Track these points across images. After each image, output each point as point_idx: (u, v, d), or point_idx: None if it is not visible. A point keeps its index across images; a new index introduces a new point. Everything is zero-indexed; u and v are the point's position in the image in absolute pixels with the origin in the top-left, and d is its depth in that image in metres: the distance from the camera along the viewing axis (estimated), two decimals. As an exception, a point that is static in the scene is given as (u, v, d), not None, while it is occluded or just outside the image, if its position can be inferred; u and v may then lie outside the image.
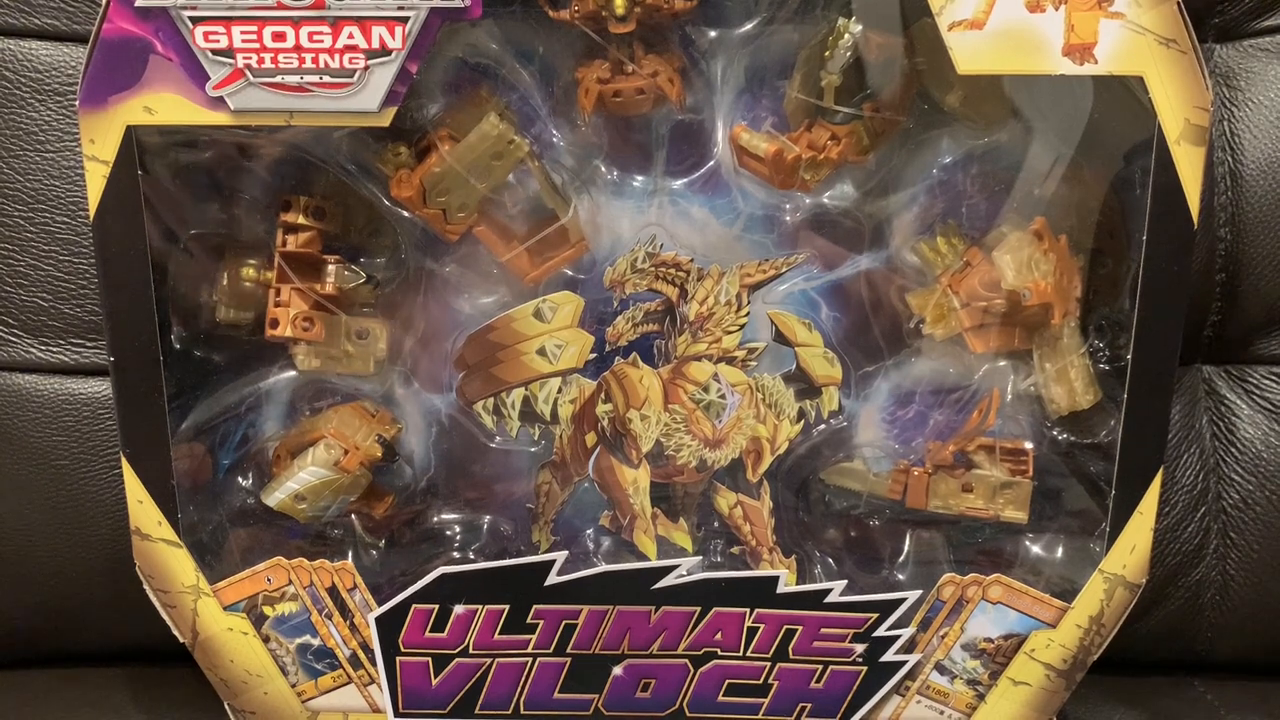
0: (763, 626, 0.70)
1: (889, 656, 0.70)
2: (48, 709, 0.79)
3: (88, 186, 0.62)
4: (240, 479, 0.73)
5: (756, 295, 0.71)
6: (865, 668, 0.71)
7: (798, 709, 0.72)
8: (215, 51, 0.60)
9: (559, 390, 0.72)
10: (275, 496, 0.71)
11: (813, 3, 0.64)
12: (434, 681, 0.71)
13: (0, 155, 0.77)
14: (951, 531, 0.74)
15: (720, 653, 0.71)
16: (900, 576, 0.74)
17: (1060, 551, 0.73)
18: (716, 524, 0.75)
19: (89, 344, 0.79)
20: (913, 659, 0.71)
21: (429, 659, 0.71)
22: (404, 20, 0.60)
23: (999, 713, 0.72)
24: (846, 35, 0.63)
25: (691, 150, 0.69)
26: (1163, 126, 0.61)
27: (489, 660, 0.71)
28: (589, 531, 0.75)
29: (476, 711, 0.72)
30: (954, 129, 0.68)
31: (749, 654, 0.71)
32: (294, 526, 0.73)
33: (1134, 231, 0.65)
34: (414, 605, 0.69)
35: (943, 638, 0.71)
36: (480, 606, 0.69)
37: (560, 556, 0.69)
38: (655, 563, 0.72)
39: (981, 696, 0.72)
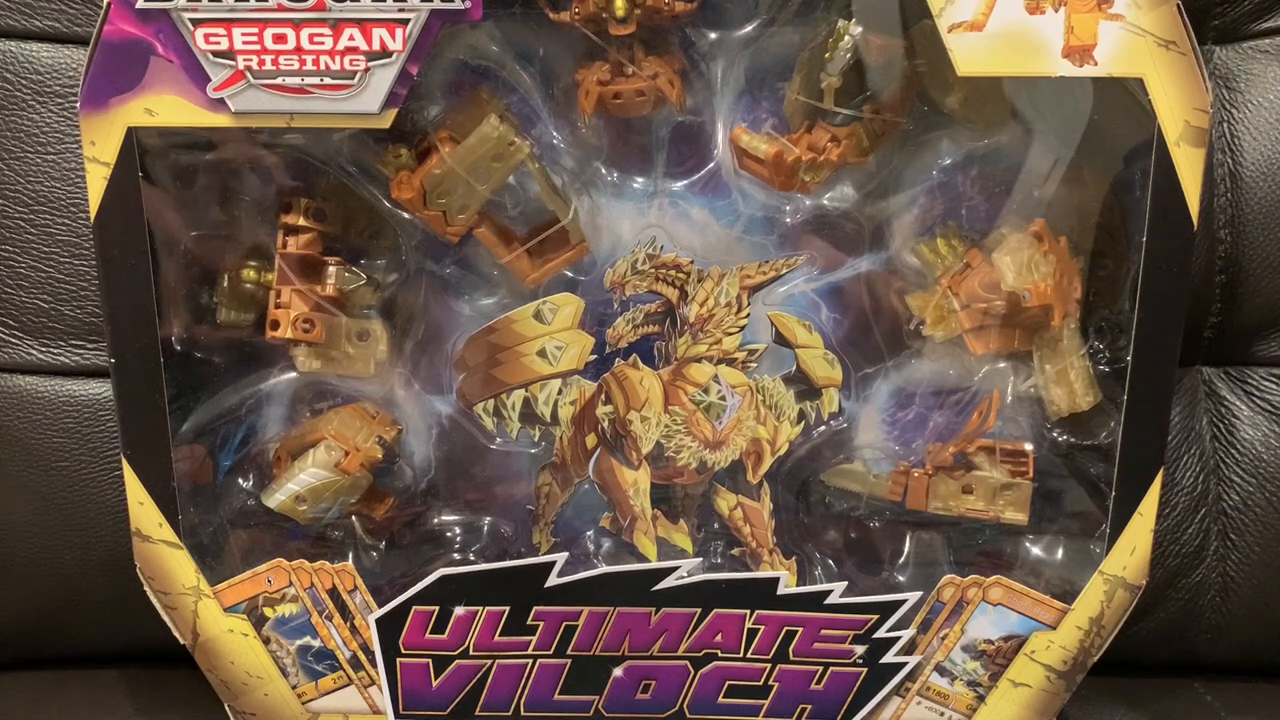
0: (763, 628, 0.70)
1: (889, 658, 0.70)
2: (48, 709, 0.79)
3: (88, 188, 0.63)
4: (241, 480, 0.73)
5: (756, 297, 0.71)
6: (865, 669, 0.71)
7: (798, 710, 0.72)
8: (216, 53, 0.60)
9: (559, 392, 0.72)
10: (276, 498, 0.71)
11: (813, 5, 0.65)
12: (434, 683, 0.71)
13: (1, 157, 0.77)
14: (952, 533, 0.74)
15: (720, 654, 0.71)
16: (900, 578, 0.74)
17: (1060, 553, 0.73)
18: (717, 525, 0.75)
19: (89, 346, 0.79)
20: (913, 660, 0.71)
21: (429, 660, 0.71)
22: (404, 22, 0.60)
23: (999, 714, 0.72)
24: (847, 37, 0.63)
25: (691, 152, 0.69)
26: (1162, 128, 0.61)
27: (489, 662, 0.71)
28: (589, 533, 0.75)
29: (477, 713, 0.72)
30: (954, 131, 0.68)
31: (749, 655, 0.71)
32: (294, 528, 0.73)
33: (1134, 233, 0.65)
34: (414, 607, 0.69)
35: (943, 639, 0.71)
36: (481, 608, 0.69)
37: (561, 558, 0.69)
38: (655, 564, 0.72)
39: (982, 698, 0.72)
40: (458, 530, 0.76)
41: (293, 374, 0.72)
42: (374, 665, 0.71)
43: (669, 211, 0.70)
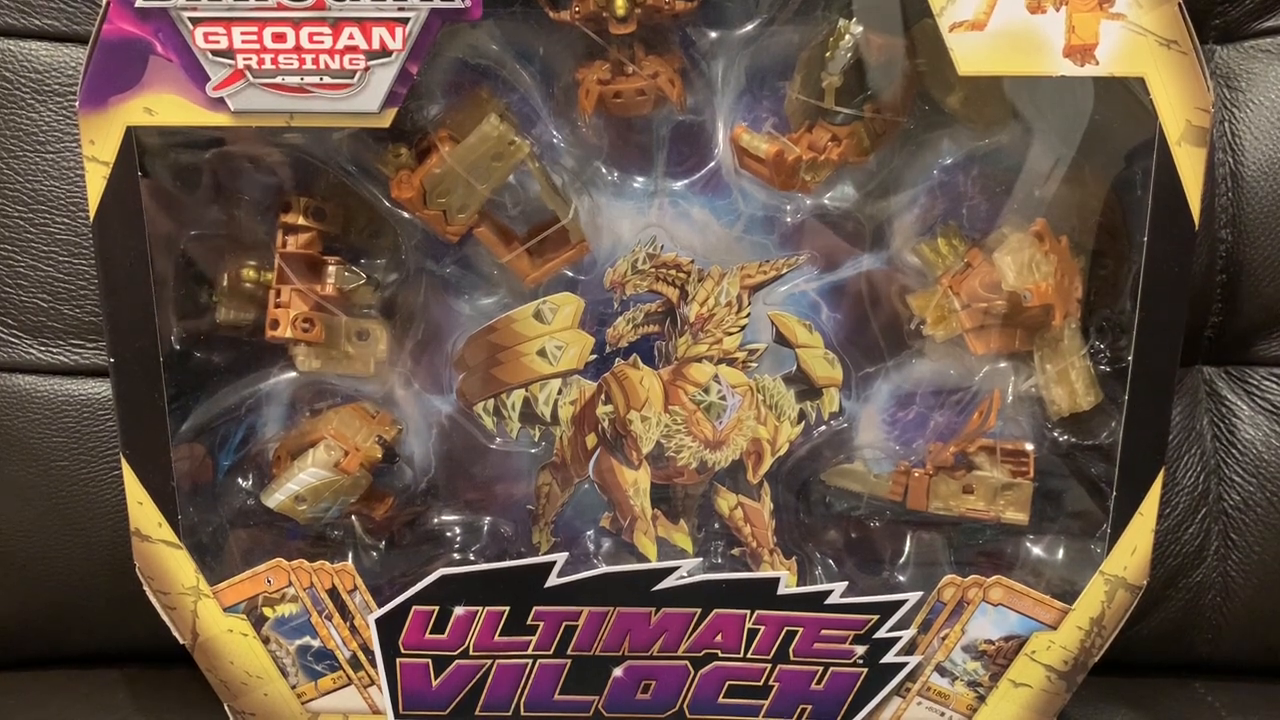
0: (763, 628, 0.70)
1: (889, 658, 0.70)
2: (48, 709, 0.79)
3: (88, 187, 0.62)
4: (240, 480, 0.73)
5: (757, 296, 0.71)
6: (866, 669, 0.70)
7: (798, 710, 0.71)
8: (215, 52, 0.60)
9: (559, 391, 0.72)
10: (275, 498, 0.71)
11: (813, 4, 0.64)
12: (434, 683, 0.71)
13: (1, 157, 0.77)
14: (952, 533, 0.74)
15: (721, 654, 0.71)
16: (901, 578, 0.74)
17: (1061, 553, 0.73)
18: (717, 525, 0.75)
19: (89, 345, 0.79)
20: (913, 661, 0.71)
21: (429, 660, 0.71)
22: (404, 21, 0.60)
23: (999, 714, 0.72)
24: (847, 36, 0.63)
25: (692, 151, 0.69)
26: (1164, 127, 0.61)
27: (489, 662, 0.71)
28: (589, 533, 0.75)
29: (477, 713, 0.72)
30: (955, 130, 0.68)
31: (749, 655, 0.71)
32: (294, 528, 0.73)
33: (1135, 232, 0.65)
34: (414, 607, 0.69)
35: (943, 639, 0.71)
36: (480, 608, 0.69)
37: (561, 558, 0.69)
38: (656, 564, 0.72)
39: (982, 698, 0.72)
40: (458, 530, 0.76)
41: (292, 373, 0.72)
42: (374, 665, 0.71)
43: (669, 211, 0.70)
